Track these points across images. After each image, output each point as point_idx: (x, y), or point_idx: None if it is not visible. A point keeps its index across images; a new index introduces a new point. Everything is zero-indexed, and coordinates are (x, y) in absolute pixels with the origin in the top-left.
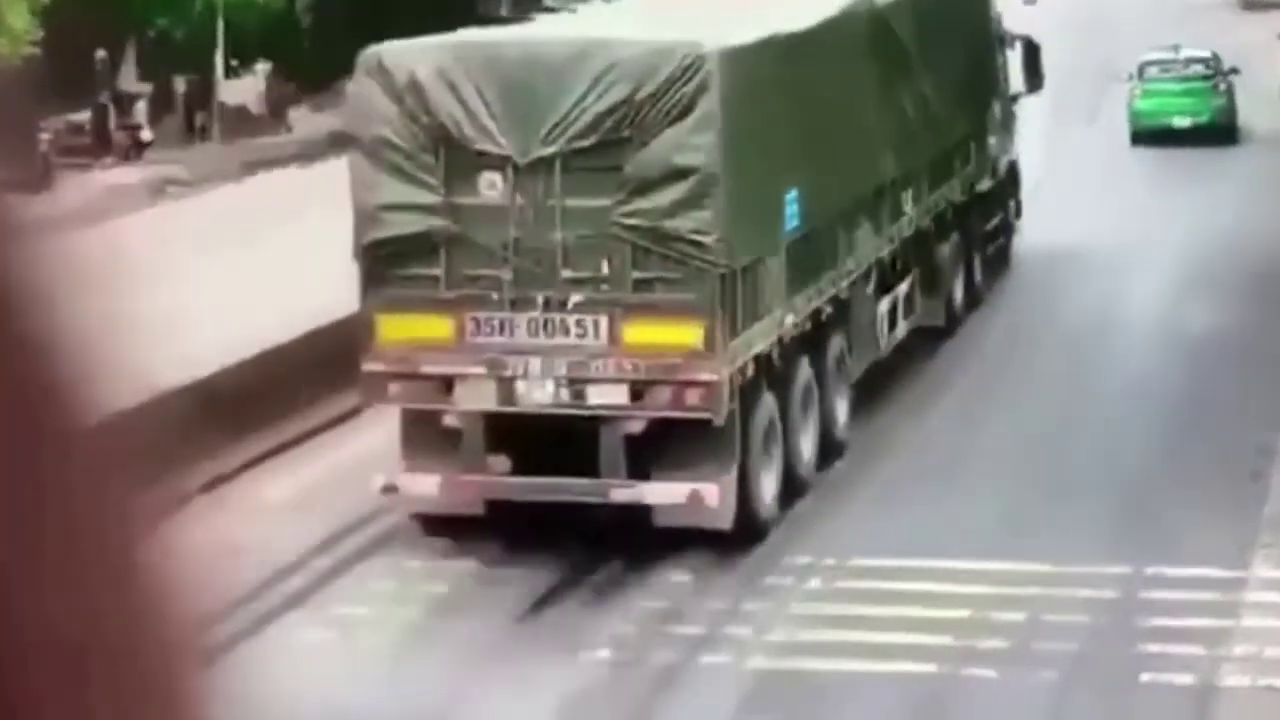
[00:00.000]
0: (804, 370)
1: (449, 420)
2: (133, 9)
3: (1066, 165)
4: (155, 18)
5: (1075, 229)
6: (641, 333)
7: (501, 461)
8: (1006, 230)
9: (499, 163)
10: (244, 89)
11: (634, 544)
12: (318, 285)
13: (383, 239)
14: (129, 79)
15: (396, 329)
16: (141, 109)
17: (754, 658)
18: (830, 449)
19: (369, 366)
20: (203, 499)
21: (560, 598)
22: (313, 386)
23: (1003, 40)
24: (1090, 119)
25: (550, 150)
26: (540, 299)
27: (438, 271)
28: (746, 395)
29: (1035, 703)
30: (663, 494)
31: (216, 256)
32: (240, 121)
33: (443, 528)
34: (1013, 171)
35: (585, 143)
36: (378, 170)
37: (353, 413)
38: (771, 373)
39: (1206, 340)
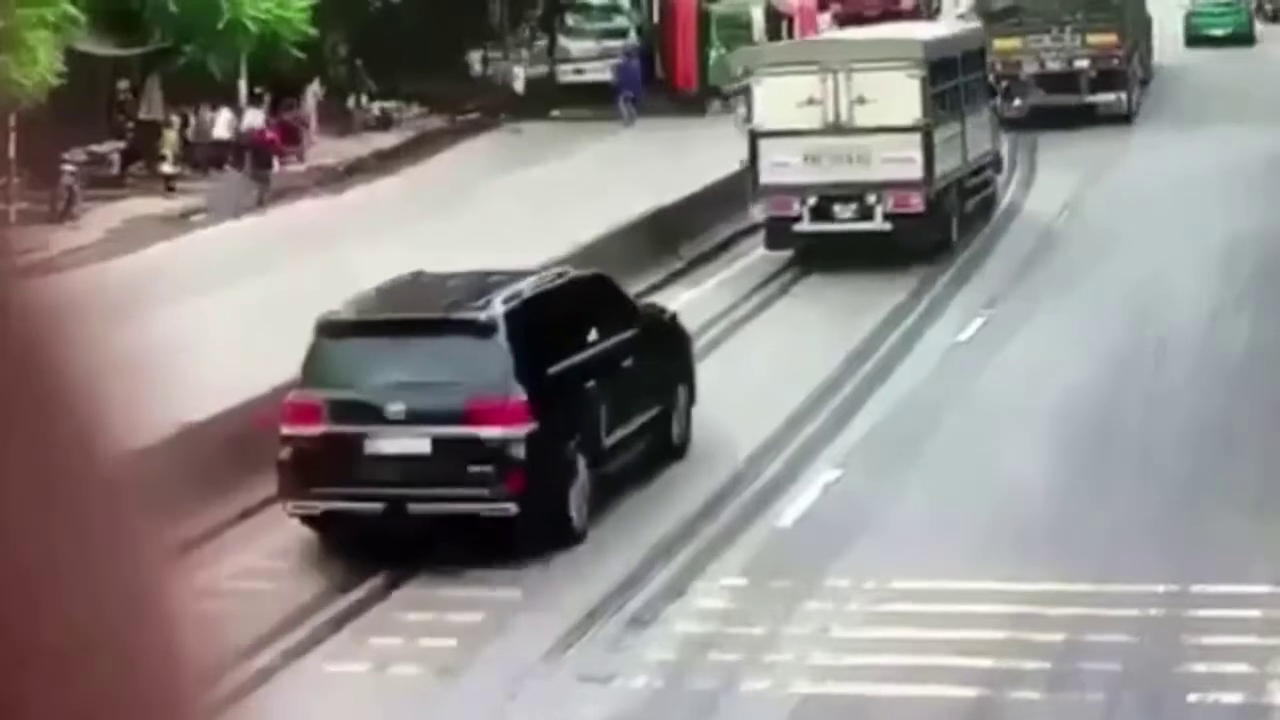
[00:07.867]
0: (1136, 56)
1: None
2: (159, 36)
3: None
4: (185, 44)
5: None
6: (1093, 39)
7: (1038, 90)
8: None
9: None
10: (261, 117)
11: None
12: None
13: (994, 10)
14: (152, 108)
15: (1000, 45)
16: (172, 139)
17: None
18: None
19: (990, 59)
20: None
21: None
22: None
23: None
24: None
25: None
26: (1054, 28)
27: (1016, 21)
28: (1130, 62)
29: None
30: (1103, 99)
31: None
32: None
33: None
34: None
35: None
36: None
37: None
38: (1133, 53)
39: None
